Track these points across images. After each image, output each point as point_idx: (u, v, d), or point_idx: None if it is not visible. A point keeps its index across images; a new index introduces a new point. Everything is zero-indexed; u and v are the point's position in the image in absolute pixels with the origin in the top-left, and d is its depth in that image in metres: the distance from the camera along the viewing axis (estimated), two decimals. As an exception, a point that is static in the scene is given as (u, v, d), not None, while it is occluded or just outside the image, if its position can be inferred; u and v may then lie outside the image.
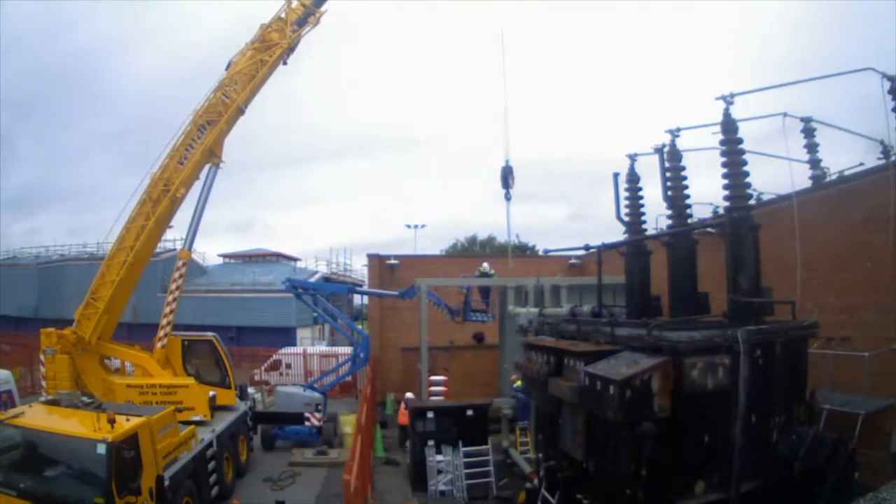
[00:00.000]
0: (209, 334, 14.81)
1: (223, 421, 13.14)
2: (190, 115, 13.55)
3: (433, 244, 76.90)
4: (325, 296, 18.19)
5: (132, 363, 13.98)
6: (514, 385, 14.84)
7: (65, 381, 12.40)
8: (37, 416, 8.85)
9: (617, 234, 10.77)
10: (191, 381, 13.28)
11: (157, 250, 38.38)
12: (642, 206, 10.18)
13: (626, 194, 10.25)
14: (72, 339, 12.66)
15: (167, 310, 13.68)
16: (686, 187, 8.96)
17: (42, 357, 12.76)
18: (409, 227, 44.59)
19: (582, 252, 16.68)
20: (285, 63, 14.14)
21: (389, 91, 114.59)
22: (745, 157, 7.69)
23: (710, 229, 9.59)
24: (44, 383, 12.84)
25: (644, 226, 10.13)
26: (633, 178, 10.17)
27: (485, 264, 19.63)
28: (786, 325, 7.21)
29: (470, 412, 13.79)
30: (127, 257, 12.89)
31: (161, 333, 13.62)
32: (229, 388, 14.50)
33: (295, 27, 13.88)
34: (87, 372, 12.94)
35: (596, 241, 10.80)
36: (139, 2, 75.47)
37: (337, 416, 17.41)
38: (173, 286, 13.81)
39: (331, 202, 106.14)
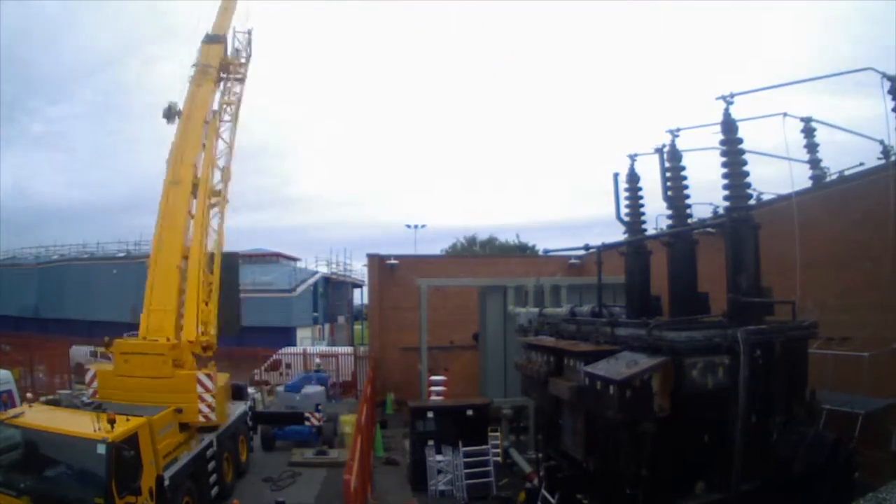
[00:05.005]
0: None
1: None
2: None
3: (432, 245, 76.87)
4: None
5: None
6: None
7: None
8: (37, 416, 8.85)
9: (617, 233, 10.76)
10: None
11: (157, 250, 38.28)
12: (642, 206, 10.18)
13: (626, 194, 10.25)
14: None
15: None
16: (686, 187, 8.95)
17: None
18: (408, 227, 44.49)
19: (582, 252, 16.67)
20: None
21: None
22: (745, 157, 7.70)
23: (710, 229, 9.58)
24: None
25: (644, 226, 10.13)
26: (633, 178, 10.16)
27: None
28: (786, 325, 7.20)
29: (470, 412, 13.78)
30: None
31: None
32: None
33: None
34: None
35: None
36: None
37: (337, 416, 17.42)
38: None
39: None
